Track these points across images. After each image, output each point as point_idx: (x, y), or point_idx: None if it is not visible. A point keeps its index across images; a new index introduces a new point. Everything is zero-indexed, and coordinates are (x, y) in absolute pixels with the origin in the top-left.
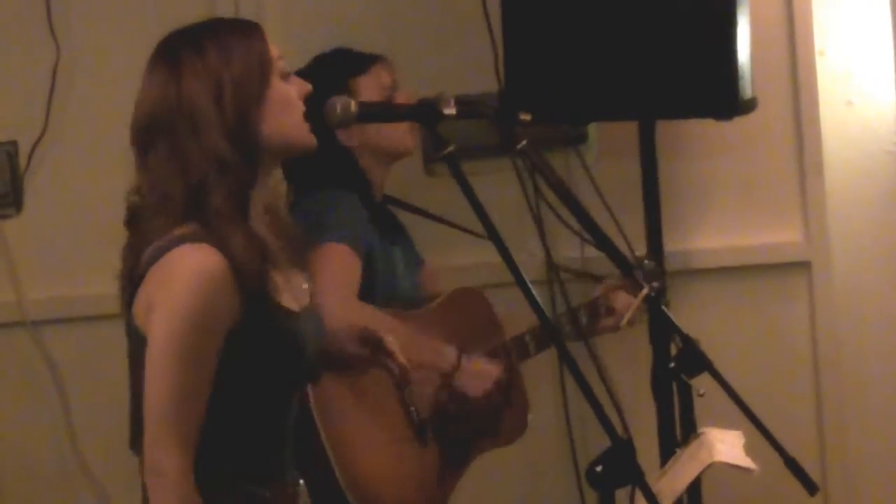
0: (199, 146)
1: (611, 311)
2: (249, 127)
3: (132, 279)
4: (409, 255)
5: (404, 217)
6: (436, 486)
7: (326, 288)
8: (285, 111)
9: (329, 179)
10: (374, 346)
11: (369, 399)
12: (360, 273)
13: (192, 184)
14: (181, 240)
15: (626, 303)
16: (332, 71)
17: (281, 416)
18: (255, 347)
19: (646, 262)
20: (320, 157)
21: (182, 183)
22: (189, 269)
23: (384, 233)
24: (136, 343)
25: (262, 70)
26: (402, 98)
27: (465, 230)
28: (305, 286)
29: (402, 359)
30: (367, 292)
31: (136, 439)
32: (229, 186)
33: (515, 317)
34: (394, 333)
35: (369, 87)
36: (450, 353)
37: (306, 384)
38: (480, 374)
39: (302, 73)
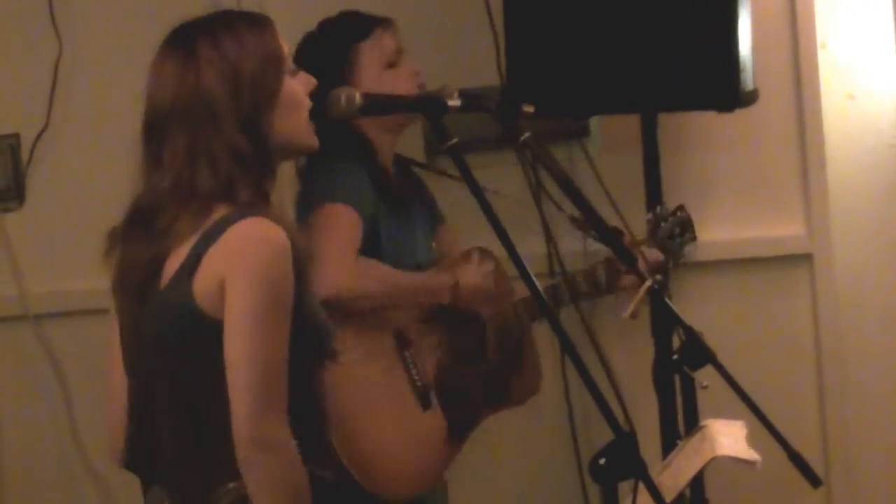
0: (220, 139)
1: (628, 273)
2: (262, 122)
3: (156, 272)
4: (421, 219)
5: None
6: (439, 449)
7: (326, 248)
8: (294, 109)
9: (335, 148)
10: None
11: (369, 365)
12: (360, 232)
13: (220, 175)
14: (236, 216)
15: (649, 259)
16: (334, 38)
17: (318, 392)
18: (298, 324)
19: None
20: (324, 128)
21: (209, 174)
22: (262, 239)
23: (393, 204)
24: (203, 332)
25: (277, 67)
26: (407, 62)
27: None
28: None
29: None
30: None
31: (134, 455)
32: (252, 179)
33: None
34: (392, 282)
35: (371, 53)
36: (444, 280)
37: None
38: (477, 280)
39: (306, 41)
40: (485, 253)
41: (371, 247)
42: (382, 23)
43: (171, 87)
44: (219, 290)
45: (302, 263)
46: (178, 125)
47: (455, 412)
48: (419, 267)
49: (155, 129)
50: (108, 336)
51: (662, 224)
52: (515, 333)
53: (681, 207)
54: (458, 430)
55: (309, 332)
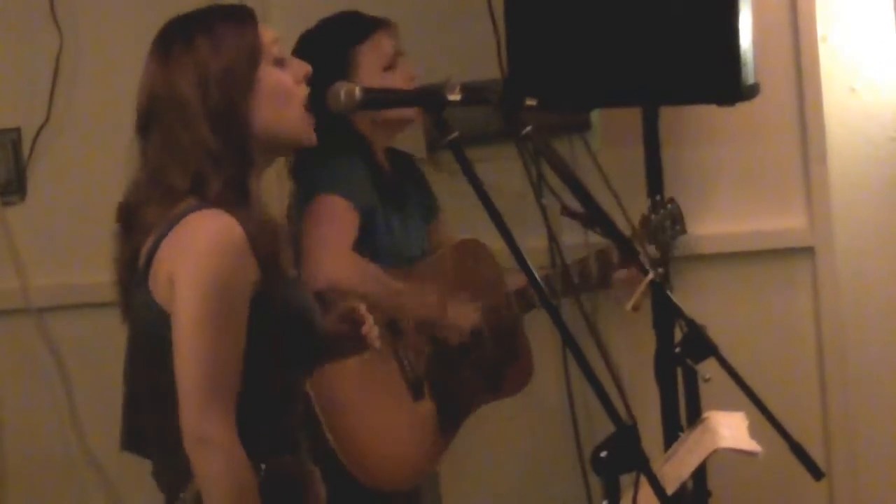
0: (189, 136)
1: (622, 266)
2: (237, 116)
3: (134, 265)
4: (417, 213)
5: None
6: (431, 440)
7: (319, 240)
8: (278, 99)
9: (330, 143)
10: (350, 319)
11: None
12: (356, 225)
13: (189, 173)
14: (192, 208)
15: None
16: (333, 40)
17: (295, 389)
18: (272, 315)
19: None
20: (319, 123)
21: (180, 172)
22: (210, 232)
23: (389, 196)
24: (157, 323)
25: (250, 58)
26: (404, 65)
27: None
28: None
29: (371, 329)
30: (365, 253)
31: (130, 437)
32: (223, 175)
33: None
34: (384, 285)
35: (369, 56)
36: (433, 302)
37: (315, 358)
38: (459, 318)
39: (304, 40)
40: (475, 244)
41: (367, 239)
42: (382, 24)
43: (148, 87)
44: (169, 284)
45: (270, 257)
46: (154, 124)
47: (447, 402)
48: (412, 260)
49: (139, 128)
50: (109, 329)
51: (653, 217)
52: (508, 325)
53: (670, 200)
54: (450, 421)
55: (285, 324)
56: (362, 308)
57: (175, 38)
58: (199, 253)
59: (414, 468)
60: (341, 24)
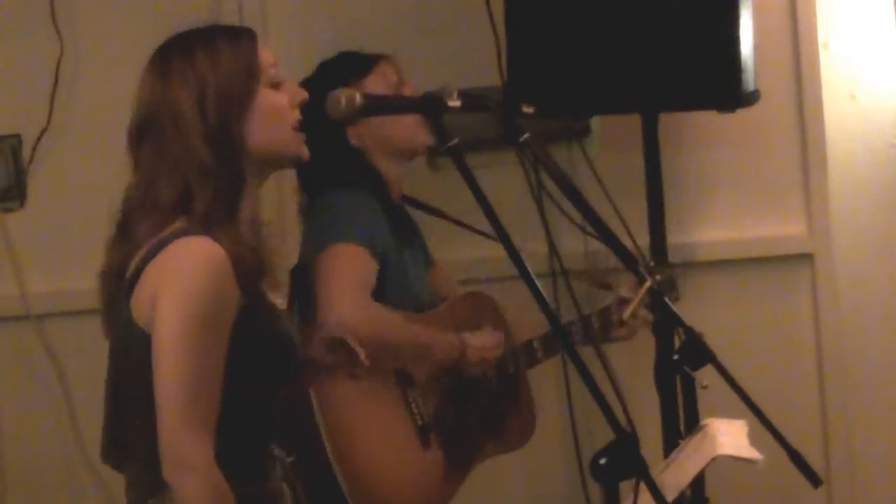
0: (183, 149)
1: (623, 325)
2: (232, 134)
3: (120, 280)
4: (421, 257)
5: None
6: (437, 489)
7: (340, 288)
8: (272, 121)
9: (343, 180)
10: (340, 349)
11: (372, 401)
12: (375, 275)
13: (178, 186)
14: (179, 233)
15: (641, 317)
16: (337, 78)
17: (267, 413)
18: (250, 343)
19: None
20: (332, 159)
21: (168, 185)
22: (196, 257)
23: (399, 235)
24: (136, 343)
25: (248, 78)
26: (408, 94)
27: (480, 232)
28: (279, 302)
29: (363, 359)
30: (379, 295)
31: (109, 450)
32: (212, 191)
33: (526, 319)
34: (402, 330)
35: (375, 87)
36: (453, 340)
37: (291, 383)
38: (484, 349)
39: (307, 82)
40: (480, 297)
41: (380, 278)
42: (382, 58)
43: (145, 98)
44: (151, 306)
45: (253, 282)
46: (148, 135)
47: (454, 452)
48: (420, 305)
49: (132, 138)
50: None
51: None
52: (513, 377)
53: (669, 265)
54: (456, 470)
55: (267, 350)
56: (351, 339)
57: (175, 51)
58: (183, 276)
59: None
60: (343, 62)
